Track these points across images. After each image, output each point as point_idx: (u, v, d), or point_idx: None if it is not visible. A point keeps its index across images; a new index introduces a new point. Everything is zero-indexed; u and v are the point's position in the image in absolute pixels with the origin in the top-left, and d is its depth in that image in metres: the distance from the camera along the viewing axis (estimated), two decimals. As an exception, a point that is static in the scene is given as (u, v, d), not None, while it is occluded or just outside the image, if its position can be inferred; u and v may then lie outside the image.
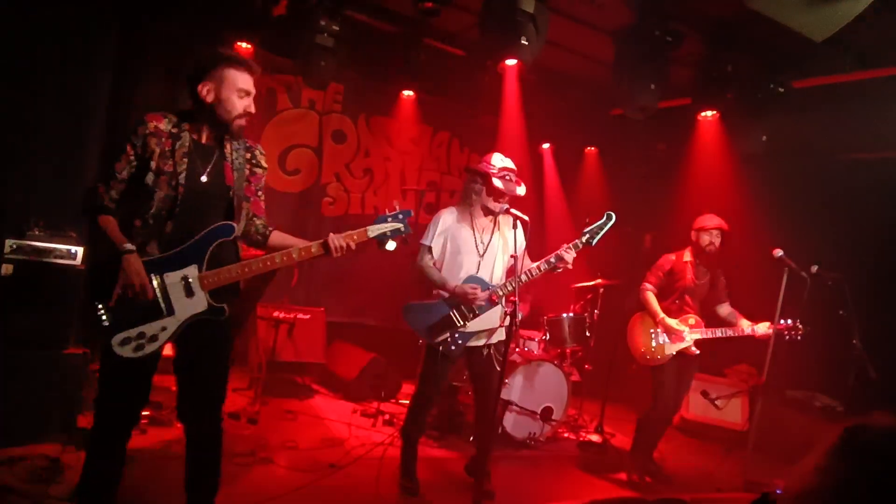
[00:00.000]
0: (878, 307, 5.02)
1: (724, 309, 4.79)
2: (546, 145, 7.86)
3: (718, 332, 4.63)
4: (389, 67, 6.22)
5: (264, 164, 2.88)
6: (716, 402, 6.17)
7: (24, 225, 3.90)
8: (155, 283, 2.54)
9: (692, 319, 4.66)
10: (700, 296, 4.77)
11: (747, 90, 5.05)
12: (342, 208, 7.09)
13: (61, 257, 3.89)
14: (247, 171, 2.79)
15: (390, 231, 2.83)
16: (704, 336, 4.63)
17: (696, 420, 6.25)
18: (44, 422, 3.77)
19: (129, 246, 2.49)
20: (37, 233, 3.89)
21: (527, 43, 4.42)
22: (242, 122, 2.69)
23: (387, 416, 5.32)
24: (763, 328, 4.52)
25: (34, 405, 3.75)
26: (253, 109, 2.70)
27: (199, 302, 2.60)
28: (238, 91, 2.64)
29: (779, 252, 4.50)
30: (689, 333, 4.62)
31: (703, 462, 5.43)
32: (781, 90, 4.93)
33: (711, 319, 4.75)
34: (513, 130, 7.33)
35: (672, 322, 4.60)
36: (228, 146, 2.74)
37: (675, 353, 4.63)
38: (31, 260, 3.80)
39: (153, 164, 2.57)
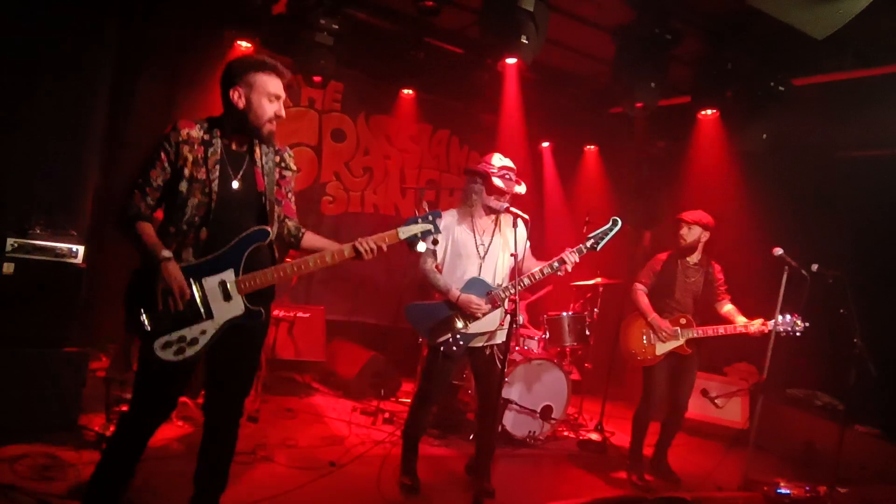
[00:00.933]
0: (879, 305, 5.02)
1: (725, 306, 4.78)
2: (546, 143, 7.87)
3: (710, 331, 4.63)
4: (389, 66, 6.21)
5: (294, 167, 2.92)
6: (716, 401, 6.19)
7: (25, 223, 3.91)
8: (194, 287, 2.58)
9: (683, 319, 4.68)
10: (693, 294, 4.77)
11: (747, 88, 5.05)
12: (342, 207, 7.09)
13: (62, 256, 3.89)
14: (277, 175, 2.83)
15: (421, 232, 2.87)
16: (697, 335, 4.63)
17: (696, 419, 6.24)
18: (44, 420, 3.78)
19: (166, 254, 2.53)
20: (38, 231, 3.90)
21: (527, 41, 4.41)
22: (272, 126, 2.72)
23: (387, 415, 5.32)
24: (757, 325, 4.52)
25: (34, 403, 3.76)
26: (283, 113, 2.74)
27: (237, 306, 2.65)
28: (268, 95, 2.67)
29: (779, 250, 4.50)
30: (681, 332, 4.64)
31: (704, 460, 5.43)
32: (782, 88, 4.93)
33: (711, 318, 4.75)
34: (512, 128, 7.34)
35: (661, 322, 4.63)
36: (258, 151, 2.78)
37: (666, 352, 4.64)
38: (33, 258, 3.81)
39: (186, 172, 2.60)
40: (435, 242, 2.94)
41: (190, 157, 2.60)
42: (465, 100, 7.11)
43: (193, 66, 5.74)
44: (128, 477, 2.75)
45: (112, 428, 3.91)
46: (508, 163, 3.93)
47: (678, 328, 4.64)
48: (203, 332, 2.60)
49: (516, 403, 5.12)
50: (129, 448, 2.71)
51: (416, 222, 2.88)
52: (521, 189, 3.88)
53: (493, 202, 3.87)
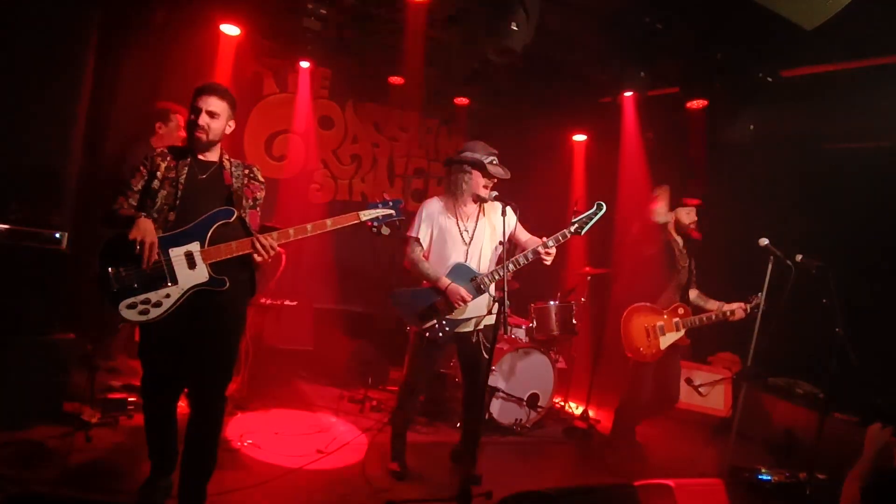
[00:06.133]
0: (861, 296, 5.08)
1: (694, 292, 4.95)
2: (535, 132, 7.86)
3: (704, 320, 4.71)
4: (377, 53, 6.15)
5: (261, 179, 3.16)
6: (699, 389, 6.26)
7: (8, 210, 3.86)
8: (160, 254, 2.81)
9: (682, 309, 4.73)
10: (683, 282, 4.85)
11: (736, 79, 5.07)
12: (329, 195, 7.05)
13: (46, 242, 3.84)
14: (245, 181, 3.09)
15: (382, 216, 3.03)
16: (694, 325, 4.72)
17: (680, 407, 6.30)
18: (29, 407, 3.74)
19: (143, 214, 2.83)
20: (21, 217, 3.84)
21: (517, 29, 4.40)
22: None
23: (374, 403, 5.33)
24: (736, 307, 4.69)
25: (19, 390, 3.72)
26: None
27: (201, 273, 2.87)
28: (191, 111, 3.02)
29: (764, 240, 4.54)
30: (681, 323, 4.70)
31: (687, 448, 5.50)
32: (770, 79, 4.95)
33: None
34: (504, 117, 7.33)
35: None
36: (228, 163, 3.08)
37: (669, 345, 4.68)
38: (16, 245, 3.76)
39: (159, 174, 2.97)
40: (396, 227, 3.13)
41: (163, 164, 2.98)
42: (453, 88, 7.07)
43: (178, 51, 5.67)
44: (169, 437, 3.11)
45: (97, 415, 3.94)
46: (493, 149, 3.93)
47: (678, 318, 4.69)
48: (167, 296, 2.82)
49: (503, 391, 5.15)
50: (152, 413, 3.09)
51: (377, 207, 3.07)
52: (506, 174, 3.88)
53: (483, 191, 3.87)
